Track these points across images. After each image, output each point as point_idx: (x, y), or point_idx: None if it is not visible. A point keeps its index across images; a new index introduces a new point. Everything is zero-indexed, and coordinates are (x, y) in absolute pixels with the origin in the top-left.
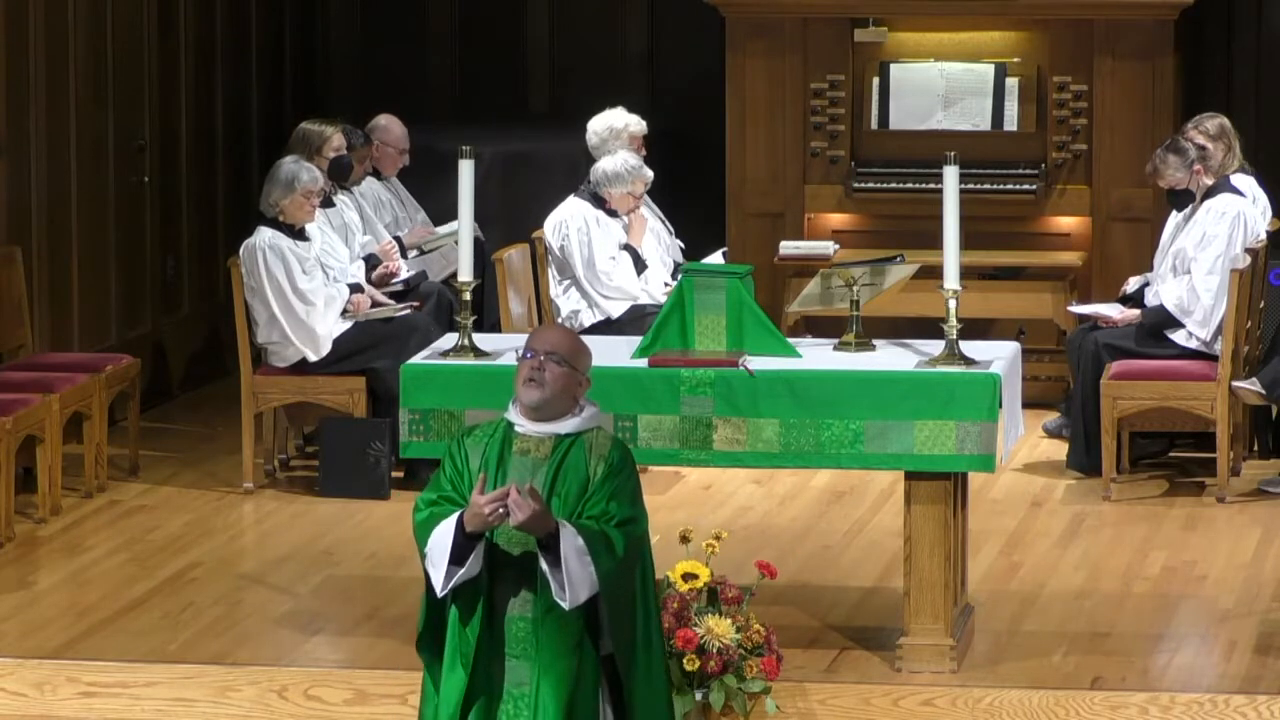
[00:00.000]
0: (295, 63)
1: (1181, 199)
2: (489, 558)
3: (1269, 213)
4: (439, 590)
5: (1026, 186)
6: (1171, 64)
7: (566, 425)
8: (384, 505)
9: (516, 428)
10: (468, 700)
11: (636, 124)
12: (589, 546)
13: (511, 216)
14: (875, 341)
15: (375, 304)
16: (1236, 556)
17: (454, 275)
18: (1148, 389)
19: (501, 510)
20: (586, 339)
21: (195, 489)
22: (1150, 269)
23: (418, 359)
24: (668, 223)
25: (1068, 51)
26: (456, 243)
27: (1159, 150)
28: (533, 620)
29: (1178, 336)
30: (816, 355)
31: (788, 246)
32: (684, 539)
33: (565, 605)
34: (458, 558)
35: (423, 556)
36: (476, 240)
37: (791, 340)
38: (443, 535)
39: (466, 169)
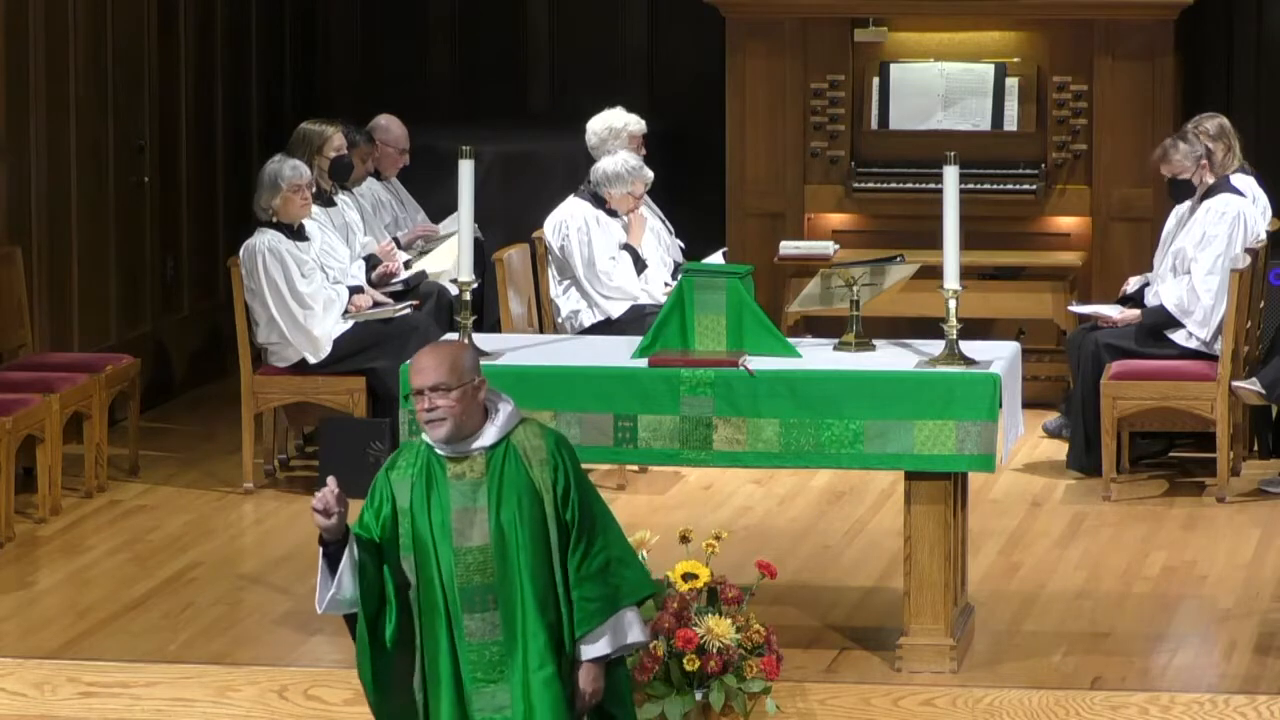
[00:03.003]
0: (295, 62)
1: (1182, 190)
2: (443, 589)
3: (1269, 213)
4: (318, 608)
5: (1026, 186)
6: (1171, 64)
7: (489, 436)
8: None
9: (439, 451)
10: None
11: (636, 124)
12: (624, 625)
13: (511, 216)
14: (875, 341)
15: (375, 304)
16: (1236, 556)
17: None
18: (1148, 389)
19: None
20: (586, 339)
21: (195, 489)
22: (1150, 269)
23: None
24: (668, 223)
25: (1068, 51)
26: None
27: (1169, 139)
28: (502, 643)
29: (1178, 336)
30: (816, 355)
31: (788, 246)
32: (684, 539)
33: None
34: (329, 575)
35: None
36: (476, 240)
37: (791, 340)
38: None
39: (466, 169)
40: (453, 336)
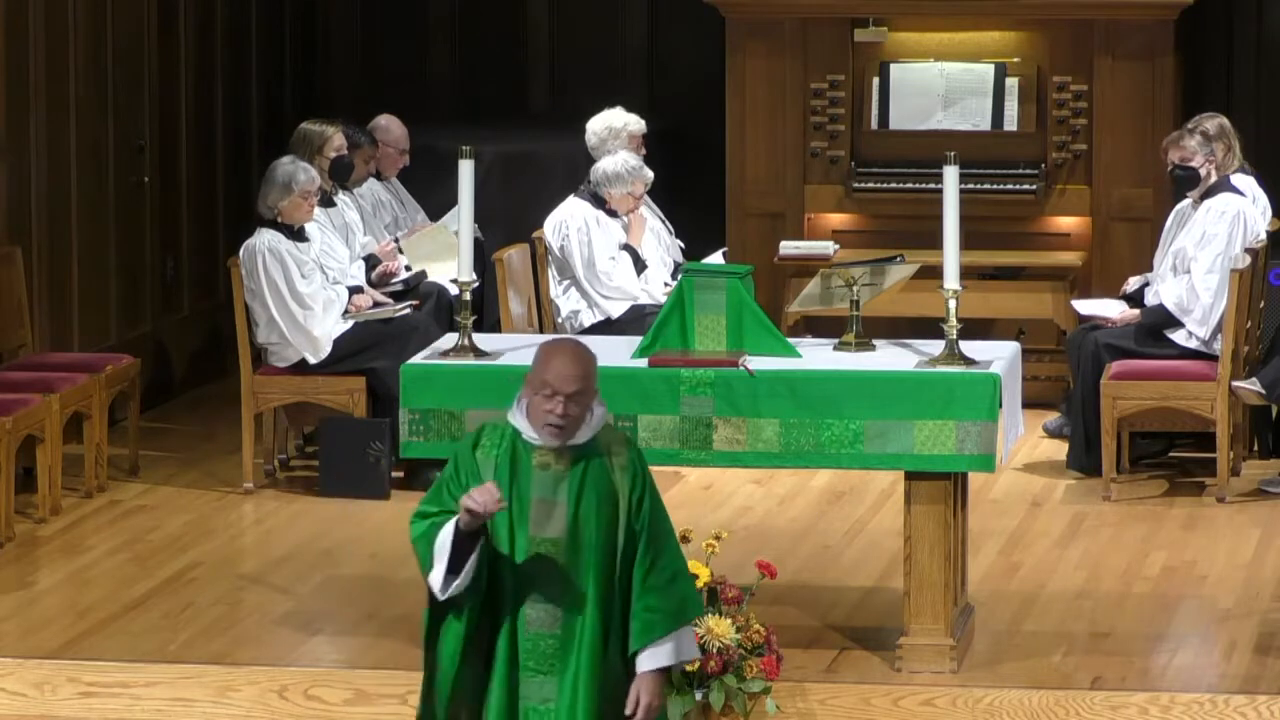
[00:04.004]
0: (295, 62)
1: (1185, 181)
2: (512, 574)
3: (1269, 213)
4: (439, 595)
5: (1026, 186)
6: (1171, 64)
7: (582, 434)
8: (384, 505)
9: (526, 437)
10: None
11: (636, 123)
12: (685, 640)
13: (511, 216)
14: (875, 341)
15: (375, 304)
16: (1236, 556)
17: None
18: (1148, 389)
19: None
20: (586, 339)
21: (195, 489)
22: (1150, 269)
23: (418, 359)
24: (668, 223)
25: (1068, 51)
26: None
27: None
28: (559, 637)
29: (1177, 336)
30: (816, 355)
31: (788, 246)
32: (684, 539)
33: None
34: (455, 565)
35: (424, 570)
36: (476, 240)
37: (791, 340)
38: (443, 541)
39: (466, 169)
40: (452, 337)
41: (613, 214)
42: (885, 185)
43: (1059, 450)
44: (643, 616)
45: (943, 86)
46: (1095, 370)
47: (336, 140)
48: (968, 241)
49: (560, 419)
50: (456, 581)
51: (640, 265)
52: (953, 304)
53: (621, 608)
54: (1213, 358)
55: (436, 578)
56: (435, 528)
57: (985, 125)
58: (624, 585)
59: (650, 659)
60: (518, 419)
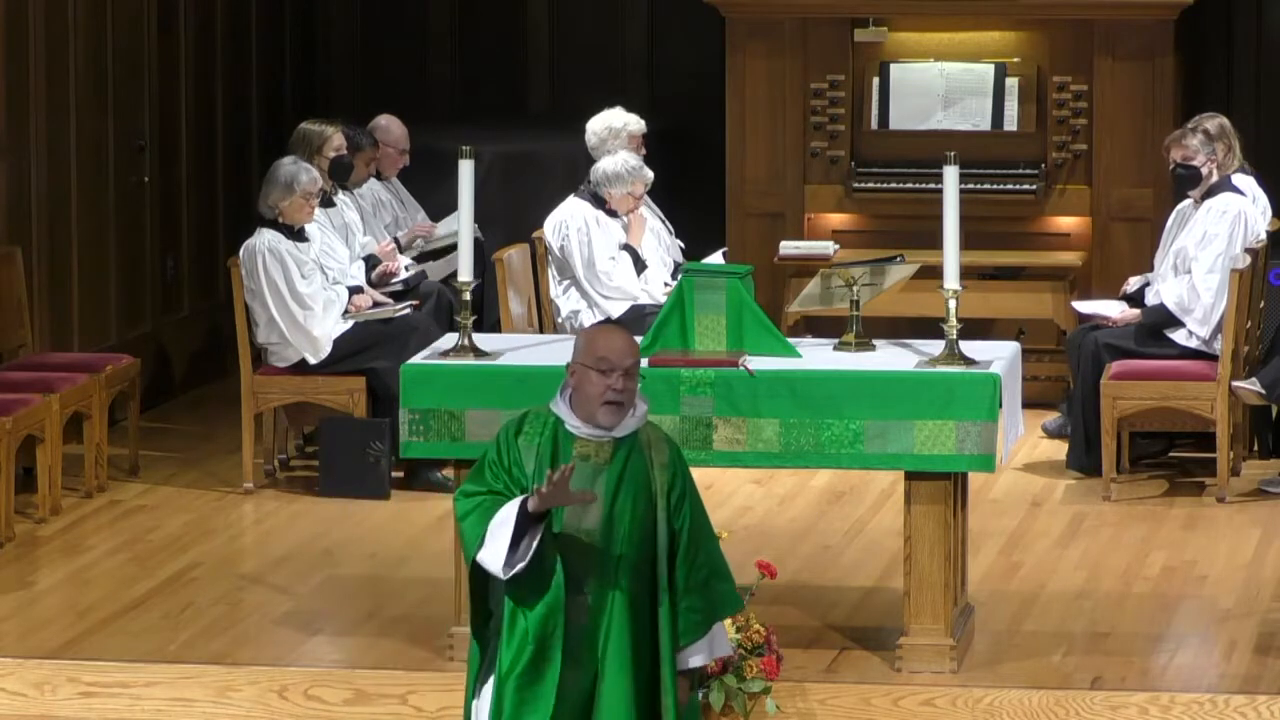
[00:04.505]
0: (295, 63)
1: (1187, 180)
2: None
3: (1269, 213)
4: (501, 573)
5: (1026, 186)
6: (1171, 64)
7: (626, 427)
8: (384, 505)
9: (569, 427)
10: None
11: (636, 123)
12: (718, 637)
13: (511, 216)
14: (875, 341)
15: (375, 304)
16: (1236, 556)
17: (454, 275)
18: (1148, 389)
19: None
20: None
21: (195, 489)
22: (1150, 269)
23: (418, 359)
24: (668, 223)
25: (1068, 51)
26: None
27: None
28: (587, 630)
29: (1178, 336)
30: (816, 355)
31: (788, 246)
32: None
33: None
34: (515, 543)
35: (470, 552)
36: (476, 240)
37: (791, 340)
38: (504, 518)
39: (466, 169)
40: (452, 337)
41: (613, 214)
42: (885, 185)
43: (1059, 450)
44: (685, 616)
45: (943, 86)
46: (1095, 370)
47: (336, 140)
48: (968, 241)
49: (619, 394)
50: (520, 564)
51: (640, 265)
52: (953, 304)
53: (668, 603)
54: (1213, 358)
55: (496, 556)
56: (482, 507)
57: (985, 125)
58: (668, 582)
59: (689, 660)
60: (561, 408)
